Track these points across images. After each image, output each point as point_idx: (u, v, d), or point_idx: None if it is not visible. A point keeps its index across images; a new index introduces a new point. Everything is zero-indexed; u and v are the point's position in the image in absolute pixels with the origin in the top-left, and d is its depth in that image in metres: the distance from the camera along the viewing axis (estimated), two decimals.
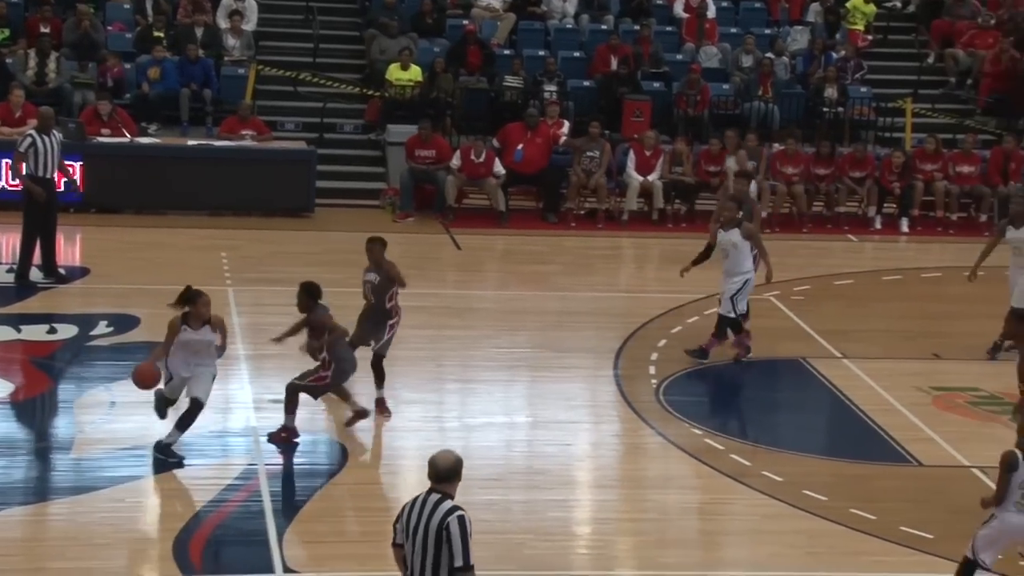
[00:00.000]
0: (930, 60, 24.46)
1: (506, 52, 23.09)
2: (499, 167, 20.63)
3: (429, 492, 7.94)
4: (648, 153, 20.85)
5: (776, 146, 21.42)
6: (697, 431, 13.33)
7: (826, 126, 22.18)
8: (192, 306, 11.64)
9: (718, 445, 13.05)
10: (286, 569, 10.23)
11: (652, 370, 14.84)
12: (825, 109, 22.45)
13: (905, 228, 20.73)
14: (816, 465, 12.99)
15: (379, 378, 13.07)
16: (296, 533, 10.79)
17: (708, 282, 17.91)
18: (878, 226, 20.86)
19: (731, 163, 19.03)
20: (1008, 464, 9.62)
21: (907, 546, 11.15)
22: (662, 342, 15.73)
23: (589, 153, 20.89)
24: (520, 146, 20.90)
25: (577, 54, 23.38)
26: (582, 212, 21.18)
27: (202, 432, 12.20)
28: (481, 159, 20.58)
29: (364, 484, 11.80)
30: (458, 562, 7.81)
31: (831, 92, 22.53)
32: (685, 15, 24.15)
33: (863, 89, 22.98)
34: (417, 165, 20.75)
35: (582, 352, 15.33)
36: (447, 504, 7.86)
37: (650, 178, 20.74)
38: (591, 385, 14.55)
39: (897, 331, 16.44)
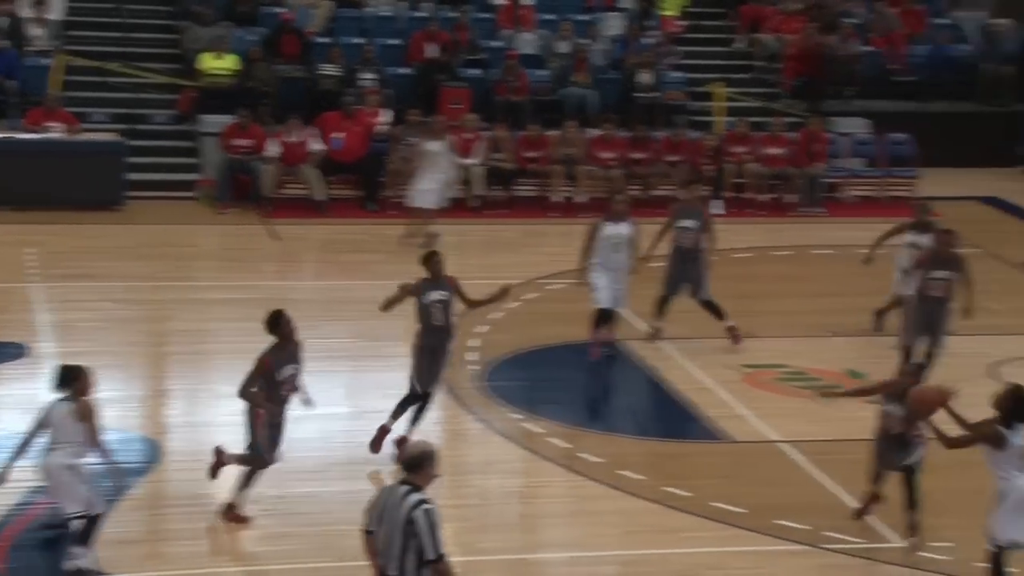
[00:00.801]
0: (739, 45, 24.97)
1: (323, 40, 22.95)
2: (316, 144, 20.54)
3: (400, 483, 8.06)
4: (468, 136, 20.93)
5: (593, 131, 21.66)
6: (517, 416, 13.46)
7: (641, 111, 22.50)
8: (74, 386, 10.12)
9: (538, 429, 13.20)
10: (98, 571, 10.07)
11: (472, 356, 14.92)
12: (640, 94, 22.78)
13: (719, 209, 21.13)
14: (633, 445, 13.23)
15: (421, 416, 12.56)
16: (108, 534, 10.61)
17: (527, 267, 18.13)
18: None
19: (435, 147, 18.98)
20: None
21: (720, 521, 11.43)
22: (483, 328, 15.83)
23: (408, 141, 20.89)
24: (339, 134, 20.82)
25: (395, 42, 23.34)
26: (402, 200, 21.15)
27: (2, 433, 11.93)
28: (298, 139, 20.46)
29: (179, 482, 11.66)
30: (429, 555, 7.91)
31: (646, 77, 22.87)
32: (502, 2, 24.27)
33: (676, 74, 23.37)
34: (234, 155, 20.54)
35: (402, 341, 15.31)
36: (414, 497, 7.95)
37: (469, 161, 20.81)
38: None
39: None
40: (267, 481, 11.89)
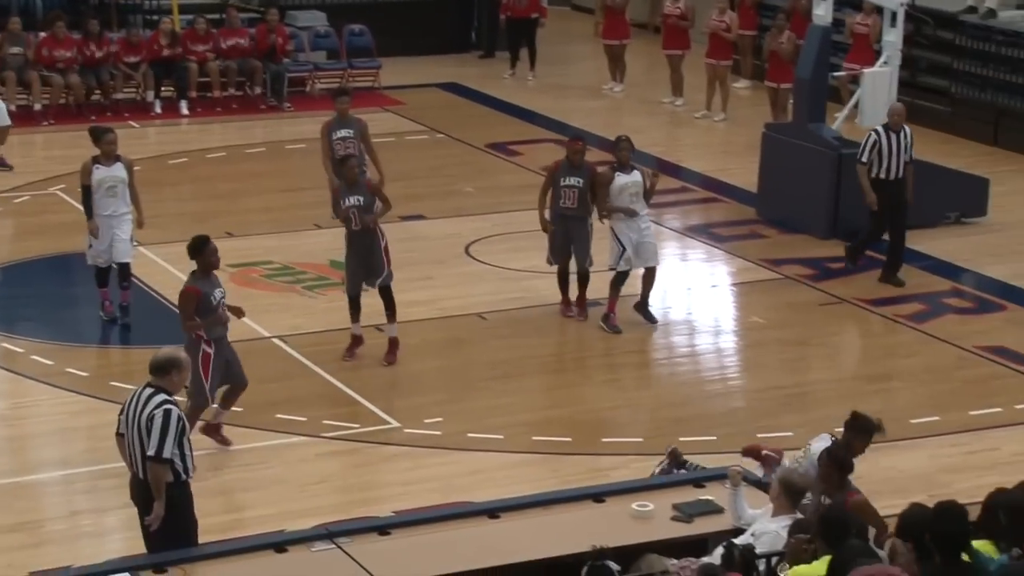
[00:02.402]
0: None
1: None
2: None
3: (146, 386, 8.54)
4: None
5: (42, 34, 20.74)
6: None
7: (93, 11, 21.71)
8: None
9: (16, 348, 12.79)
10: None
11: None
12: None
13: (185, 110, 20.86)
14: (121, 356, 13.07)
15: (392, 309, 12.57)
16: None
17: None
18: (158, 110, 20.84)
19: None
20: None
21: (224, 423, 11.47)
22: None
23: None
24: None
25: None
26: None
27: None
28: None
29: None
30: (150, 451, 8.41)
31: None
32: None
33: None
34: None
35: None
36: (159, 398, 8.45)
37: None
38: None
39: (189, 213, 16.59)
40: None
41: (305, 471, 11.01)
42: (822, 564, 6.76)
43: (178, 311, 11.12)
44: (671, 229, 16.62)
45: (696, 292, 14.95)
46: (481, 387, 12.45)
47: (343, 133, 14.79)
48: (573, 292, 13.77)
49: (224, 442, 11.19)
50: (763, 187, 16.86)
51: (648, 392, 12.81)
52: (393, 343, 12.69)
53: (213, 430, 11.16)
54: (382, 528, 8.56)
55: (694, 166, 18.70)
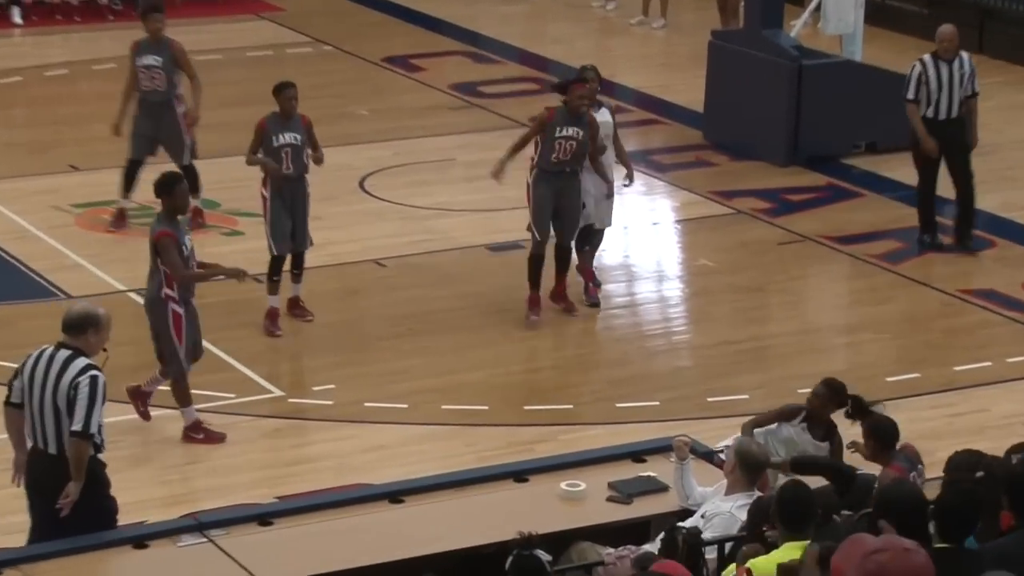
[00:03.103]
0: None
1: None
2: None
3: (58, 347, 8.44)
4: None
5: None
6: None
7: None
8: None
9: None
10: None
11: None
12: None
13: (18, 19, 20.56)
14: None
15: (301, 269, 12.48)
16: None
17: None
18: None
19: None
20: None
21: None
22: None
23: None
24: None
25: None
26: None
27: None
28: None
29: None
30: (76, 426, 8.32)
31: None
32: None
33: None
34: None
35: None
36: (81, 362, 8.36)
37: None
38: None
39: (23, 143, 16.48)
40: None
41: (169, 451, 10.94)
42: (794, 549, 6.62)
43: (160, 260, 10.82)
44: None
45: (634, 231, 14.96)
46: (380, 347, 12.41)
47: (149, 60, 13.95)
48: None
49: (145, 416, 11.16)
50: (711, 106, 16.88)
51: (578, 351, 12.84)
52: (296, 301, 12.65)
53: (142, 396, 11.12)
54: (263, 517, 8.54)
55: (629, 82, 18.69)
